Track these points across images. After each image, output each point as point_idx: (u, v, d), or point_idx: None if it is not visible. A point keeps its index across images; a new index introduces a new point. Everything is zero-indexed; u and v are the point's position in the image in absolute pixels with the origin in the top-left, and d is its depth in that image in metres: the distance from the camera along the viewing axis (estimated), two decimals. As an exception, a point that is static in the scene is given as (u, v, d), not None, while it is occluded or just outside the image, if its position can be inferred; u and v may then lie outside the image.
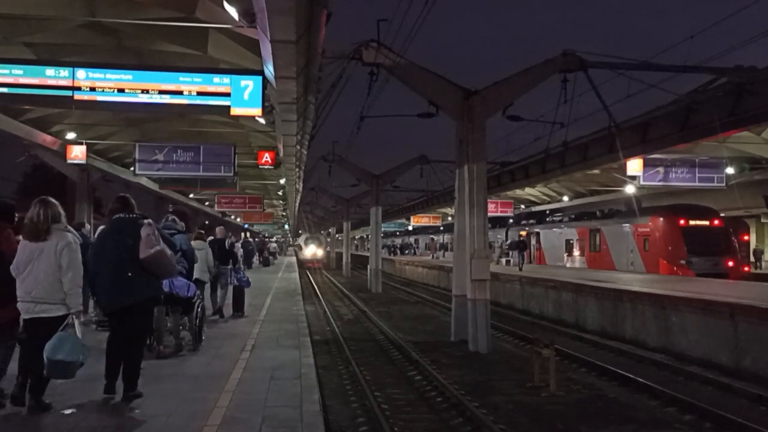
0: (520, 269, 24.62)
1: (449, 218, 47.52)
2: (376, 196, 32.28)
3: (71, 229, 5.55)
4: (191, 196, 37.68)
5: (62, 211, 5.41)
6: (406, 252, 64.11)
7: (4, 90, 9.49)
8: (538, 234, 35.56)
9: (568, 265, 30.88)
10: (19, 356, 5.44)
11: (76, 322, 5.20)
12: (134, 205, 6.12)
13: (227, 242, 13.54)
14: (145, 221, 5.88)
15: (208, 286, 11.99)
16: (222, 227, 14.17)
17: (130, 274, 5.65)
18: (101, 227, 9.04)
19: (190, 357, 8.08)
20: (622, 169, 20.86)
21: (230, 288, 12.97)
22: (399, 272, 45.69)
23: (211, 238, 12.72)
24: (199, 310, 8.81)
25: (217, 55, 11.81)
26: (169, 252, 5.98)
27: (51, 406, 5.40)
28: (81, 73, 9.61)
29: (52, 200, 5.39)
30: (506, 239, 36.23)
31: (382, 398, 9.77)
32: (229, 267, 13.12)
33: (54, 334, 5.04)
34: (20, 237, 5.44)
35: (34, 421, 5.19)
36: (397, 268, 47.11)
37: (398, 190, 37.27)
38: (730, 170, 20.82)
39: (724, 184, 20.65)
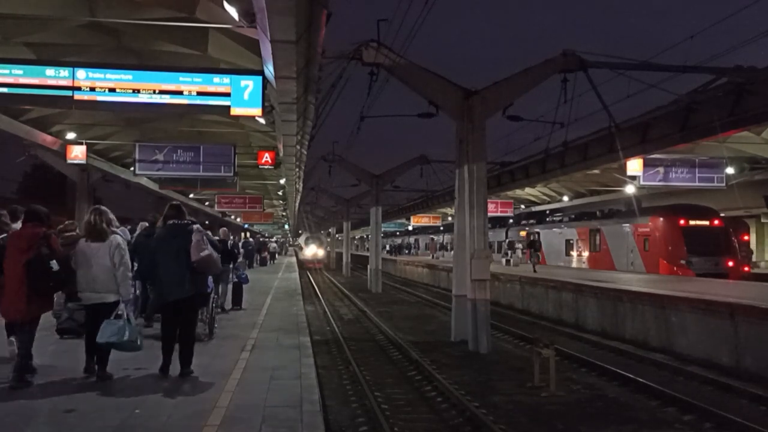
0: (534, 270, 23.59)
1: (449, 218, 47.50)
2: (376, 196, 32.28)
3: (119, 231, 6.68)
4: (191, 196, 37.66)
5: (113, 217, 6.58)
6: (405, 252, 63.96)
7: (4, 90, 9.49)
8: (538, 234, 35.54)
9: (574, 265, 30.76)
10: (85, 337, 6.61)
11: (126, 307, 6.36)
12: (185, 212, 7.07)
13: (229, 243, 13.94)
14: (195, 227, 6.86)
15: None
16: (225, 229, 14.54)
17: (183, 273, 6.65)
18: (141, 224, 9.95)
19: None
20: (622, 169, 20.84)
21: (229, 286, 13.48)
22: (399, 272, 45.70)
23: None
24: (213, 304, 9.78)
25: (217, 55, 11.82)
26: (216, 254, 6.97)
27: (112, 375, 6.55)
28: (81, 73, 9.61)
29: (105, 208, 6.57)
30: (506, 238, 36.20)
31: (382, 398, 9.77)
32: (230, 266, 13.44)
33: (110, 314, 6.22)
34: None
35: (34, 418, 5.21)
36: (398, 268, 47.11)
37: (398, 190, 37.26)
38: (730, 170, 20.80)
39: (724, 184, 20.63)
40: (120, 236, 6.57)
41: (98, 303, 6.32)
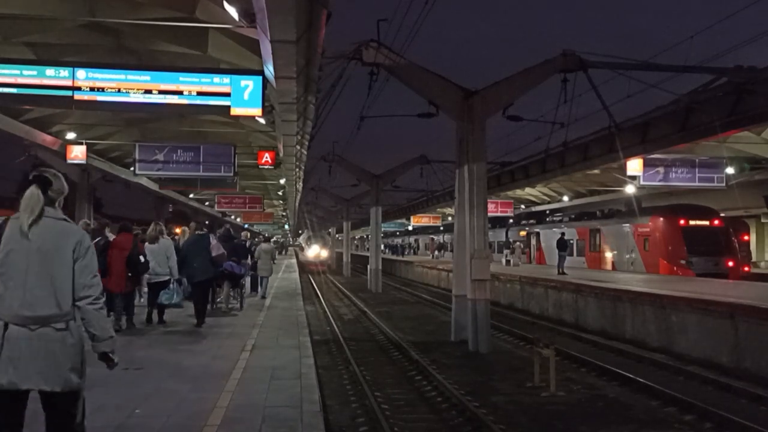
0: (562, 272, 21.91)
1: (449, 218, 47.47)
2: (376, 196, 32.26)
3: (167, 237, 11.24)
4: (191, 196, 37.63)
5: (164, 228, 11.08)
6: (406, 252, 63.81)
7: (4, 90, 9.48)
8: (538, 234, 35.53)
9: (574, 264, 30.57)
10: (147, 301, 11.04)
11: (176, 283, 10.38)
12: (200, 224, 12.17)
13: (247, 243, 17.49)
14: (210, 235, 11.75)
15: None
16: (246, 232, 15.95)
17: (203, 264, 10.85)
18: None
19: (190, 355, 8.09)
20: (622, 169, 20.84)
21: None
22: (399, 272, 45.68)
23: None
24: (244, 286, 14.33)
25: (217, 55, 11.81)
26: (225, 252, 11.64)
27: (165, 321, 10.92)
28: (81, 73, 9.60)
29: (160, 223, 10.92)
30: (506, 238, 36.15)
31: (382, 398, 9.76)
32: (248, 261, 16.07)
33: (163, 289, 10.24)
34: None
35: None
36: (396, 267, 47.10)
37: (398, 190, 37.24)
38: (730, 170, 20.79)
39: (724, 184, 20.63)
40: (168, 240, 10.99)
41: (156, 282, 10.40)
